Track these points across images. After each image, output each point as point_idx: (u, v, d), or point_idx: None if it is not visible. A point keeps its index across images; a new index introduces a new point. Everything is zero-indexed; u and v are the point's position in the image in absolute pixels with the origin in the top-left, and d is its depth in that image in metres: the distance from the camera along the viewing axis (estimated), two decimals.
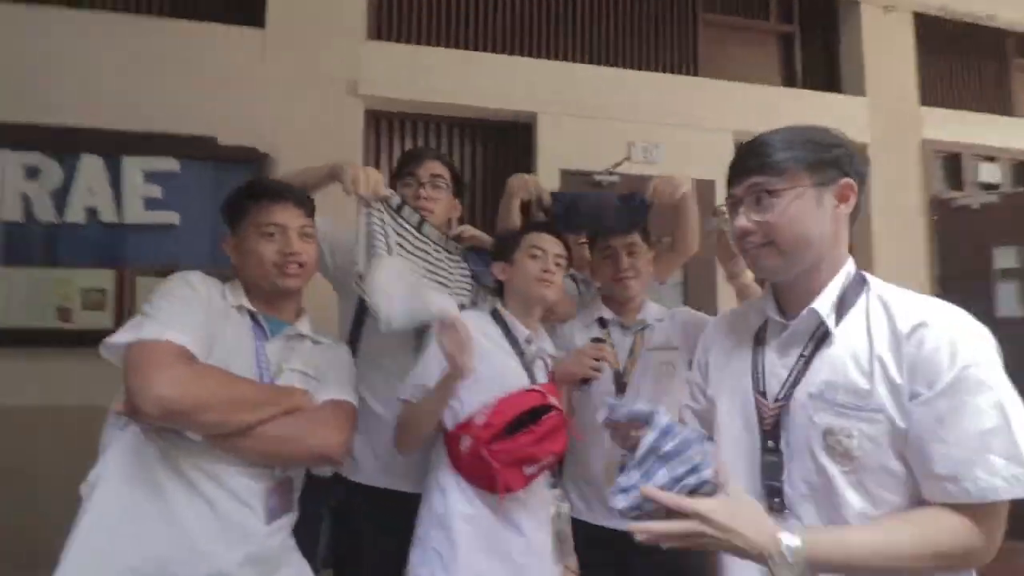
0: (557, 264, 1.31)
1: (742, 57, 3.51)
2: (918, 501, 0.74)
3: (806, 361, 0.82)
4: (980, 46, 3.84)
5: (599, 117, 2.98)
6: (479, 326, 1.27)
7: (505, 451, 1.11)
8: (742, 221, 0.83)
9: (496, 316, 1.32)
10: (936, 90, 3.71)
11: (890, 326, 0.77)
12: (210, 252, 2.38)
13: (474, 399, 1.18)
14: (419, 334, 1.30)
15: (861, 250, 3.40)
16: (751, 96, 3.26)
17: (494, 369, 1.22)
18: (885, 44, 3.48)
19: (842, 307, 0.82)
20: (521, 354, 1.28)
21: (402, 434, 1.21)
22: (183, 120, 2.49)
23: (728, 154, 2.07)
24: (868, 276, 0.85)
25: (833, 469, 0.76)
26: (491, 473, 1.10)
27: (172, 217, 2.40)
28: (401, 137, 2.97)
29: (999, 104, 3.83)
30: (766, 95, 3.30)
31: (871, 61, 3.44)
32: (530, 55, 3.07)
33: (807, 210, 0.80)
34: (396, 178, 1.49)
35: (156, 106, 2.48)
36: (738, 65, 3.45)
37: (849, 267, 0.85)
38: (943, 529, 0.70)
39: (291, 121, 2.62)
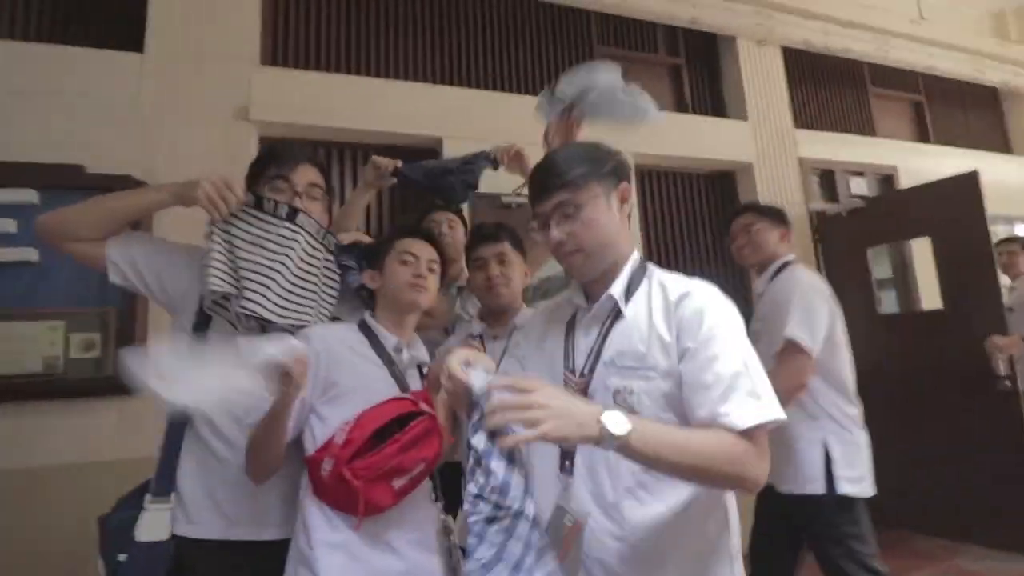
0: (430, 270, 1.26)
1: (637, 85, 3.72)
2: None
3: (603, 337, 0.98)
4: (842, 76, 4.32)
5: (503, 141, 3.01)
6: (343, 338, 1.20)
7: (368, 466, 1.02)
8: (555, 234, 0.97)
9: (363, 327, 1.24)
10: (808, 114, 4.11)
11: (664, 299, 0.95)
12: (72, 291, 2.15)
13: (338, 416, 1.08)
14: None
15: None
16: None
17: (358, 382, 1.14)
18: (760, 74, 3.82)
19: (630, 289, 0.99)
20: (391, 363, 1.20)
21: (249, 458, 1.09)
22: (47, 149, 2.26)
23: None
24: (649, 264, 1.04)
25: None
26: (354, 494, 1.00)
27: (29, 253, 2.13)
28: None
29: (862, 126, 4.30)
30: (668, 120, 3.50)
31: (750, 89, 3.76)
32: (432, 82, 3.09)
33: (602, 214, 0.98)
34: (257, 177, 1.25)
35: (15, 134, 2.25)
36: None
37: (635, 257, 1.03)
38: (729, 442, 0.84)
39: (174, 148, 2.45)
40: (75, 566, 2.01)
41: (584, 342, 1.00)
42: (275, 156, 1.26)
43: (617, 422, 0.78)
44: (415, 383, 1.24)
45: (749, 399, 0.85)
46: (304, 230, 1.21)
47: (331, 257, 1.29)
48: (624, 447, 0.78)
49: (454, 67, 3.22)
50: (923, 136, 4.61)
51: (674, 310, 0.93)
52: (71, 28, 2.60)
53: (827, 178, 3.96)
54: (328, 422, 1.10)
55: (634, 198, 1.10)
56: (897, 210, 3.45)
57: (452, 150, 2.96)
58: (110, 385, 2.15)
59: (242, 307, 1.12)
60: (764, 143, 3.71)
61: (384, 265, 1.26)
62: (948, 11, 4.54)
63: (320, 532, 1.05)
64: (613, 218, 0.99)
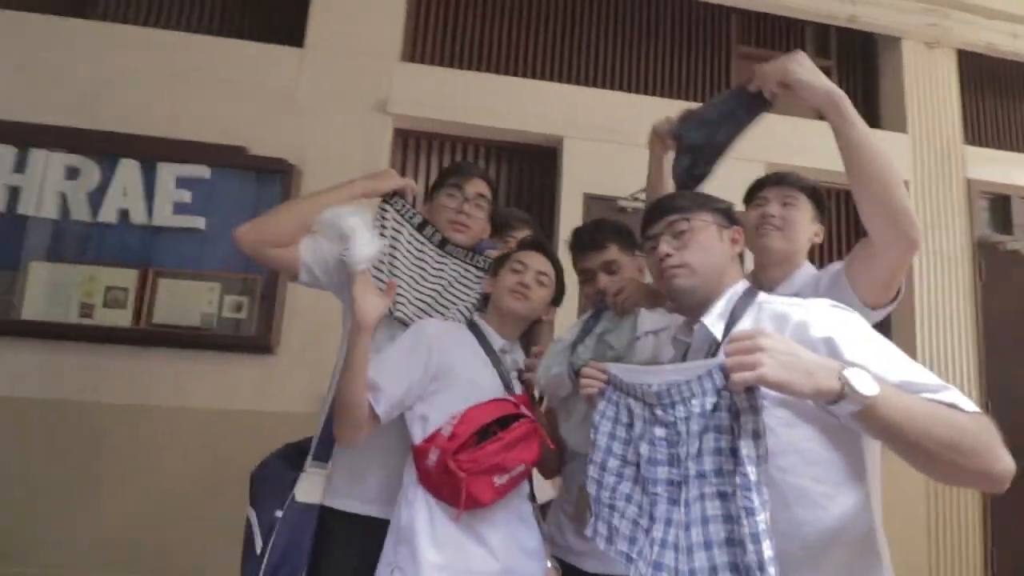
0: (539, 282, 1.26)
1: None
2: (819, 476, 0.83)
3: None
4: None
5: (626, 143, 2.94)
6: (455, 333, 1.25)
7: (471, 460, 1.05)
8: (663, 247, 0.98)
9: (472, 327, 1.28)
10: (981, 129, 3.57)
11: (778, 328, 0.86)
12: (231, 257, 2.43)
13: (447, 410, 1.12)
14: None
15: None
16: (785, 128, 3.19)
17: (467, 374, 1.18)
18: (927, 81, 3.37)
19: (733, 318, 0.93)
20: (498, 363, 1.23)
21: (335, 417, 1.13)
22: (218, 131, 2.58)
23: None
24: (760, 292, 0.98)
25: None
26: (457, 484, 1.03)
27: (198, 222, 2.45)
28: (428, 156, 3.00)
29: None
30: (800, 128, 3.23)
31: (912, 98, 3.33)
32: (559, 80, 3.09)
33: (711, 239, 0.98)
34: (437, 187, 1.45)
35: (195, 117, 2.59)
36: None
37: (739, 286, 0.98)
38: (968, 417, 0.74)
39: (322, 135, 2.68)
40: (203, 496, 2.30)
41: None
42: (455, 169, 1.47)
43: (865, 381, 0.70)
44: (517, 385, 1.26)
45: (954, 389, 0.77)
46: (451, 256, 1.38)
47: (480, 275, 1.39)
48: (869, 410, 0.70)
49: (583, 66, 3.19)
50: None
51: (795, 339, 0.83)
52: (242, 23, 2.93)
53: (1000, 204, 3.41)
54: (438, 416, 1.14)
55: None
56: None
57: (574, 150, 2.95)
58: (251, 344, 2.43)
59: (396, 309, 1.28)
60: (925, 159, 3.27)
61: (499, 272, 1.30)
62: None
63: (422, 518, 1.09)
64: (724, 249, 0.99)
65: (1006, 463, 0.73)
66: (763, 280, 1.27)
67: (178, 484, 2.32)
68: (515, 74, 3.06)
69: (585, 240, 1.35)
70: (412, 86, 2.81)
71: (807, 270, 1.28)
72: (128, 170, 2.46)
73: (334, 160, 2.63)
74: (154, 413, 2.37)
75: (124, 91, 2.56)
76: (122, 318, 2.34)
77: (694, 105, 1.28)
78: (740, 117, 1.16)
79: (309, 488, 1.19)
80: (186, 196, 2.47)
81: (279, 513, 1.15)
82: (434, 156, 3.00)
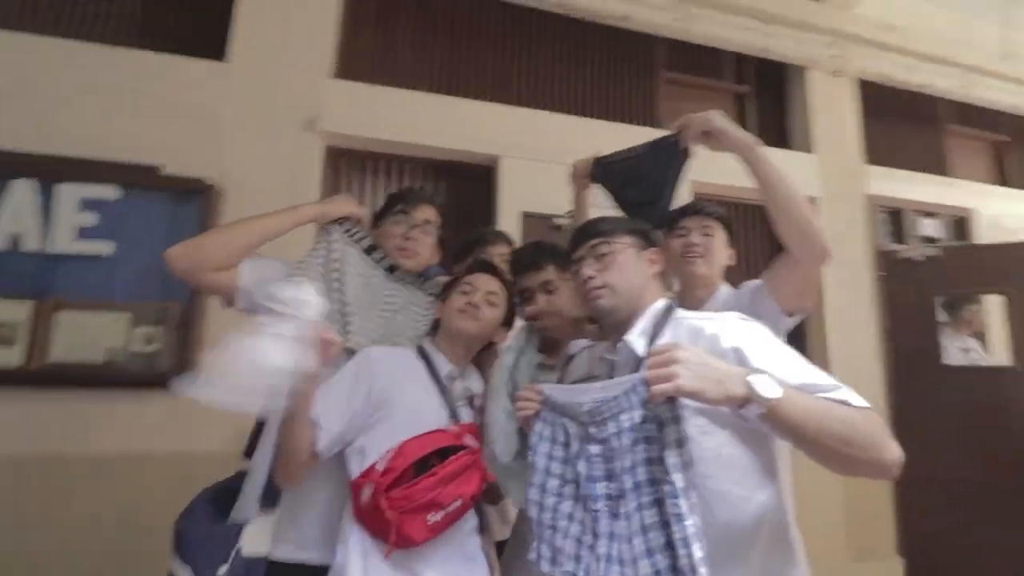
0: (488, 302, 1.25)
1: (699, 112, 3.65)
2: (737, 479, 0.89)
3: None
4: (918, 111, 4.12)
5: (560, 162, 2.98)
6: (401, 361, 1.21)
7: (404, 497, 1.00)
8: (586, 271, 1.05)
9: (421, 352, 1.24)
10: (879, 150, 3.93)
11: (694, 341, 0.93)
12: (144, 284, 2.23)
13: (386, 441, 1.08)
14: None
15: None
16: (704, 150, 3.37)
17: (410, 404, 1.14)
18: (831, 106, 3.69)
19: (654, 334, 0.99)
20: (444, 391, 1.19)
21: (278, 461, 1.07)
22: (130, 149, 2.38)
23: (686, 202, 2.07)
24: (679, 309, 1.04)
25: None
26: (387, 523, 0.99)
27: (106, 247, 2.24)
28: (362, 175, 2.92)
29: (935, 165, 4.08)
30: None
31: (818, 121, 3.63)
32: (494, 101, 3.11)
33: (631, 260, 1.06)
34: (383, 214, 1.41)
35: (102, 134, 2.38)
36: None
37: (659, 304, 1.04)
38: (862, 413, 0.83)
39: (246, 154, 2.55)
40: (117, 554, 2.07)
41: None
42: (402, 196, 1.43)
43: (768, 385, 0.78)
44: (464, 412, 1.23)
45: (846, 388, 0.85)
46: (400, 282, 1.36)
47: (430, 301, 1.38)
48: (773, 412, 0.77)
49: (517, 86, 3.24)
50: (1002, 178, 4.34)
51: (708, 350, 0.89)
52: (158, 34, 2.74)
53: (896, 217, 3.77)
54: (375, 443, 1.09)
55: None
56: (972, 263, 3.27)
57: (510, 169, 2.97)
58: (165, 379, 2.22)
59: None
60: (830, 177, 3.56)
61: (448, 296, 1.28)
62: None
63: (355, 557, 1.04)
64: (642, 270, 1.06)
65: (894, 452, 0.81)
66: (690, 302, 1.36)
67: (87, 541, 2.08)
68: (447, 93, 3.05)
69: (525, 261, 1.39)
70: (343, 103, 2.74)
71: (725, 289, 1.45)
72: (22, 191, 2.22)
73: (259, 180, 2.51)
74: (52, 462, 2.12)
75: (19, 105, 2.32)
76: (11, 357, 2.09)
77: (622, 127, 1.40)
78: (672, 167, 1.32)
79: (257, 539, 1.09)
80: (91, 219, 2.26)
81: (223, 570, 1.02)
82: (368, 175, 2.93)
